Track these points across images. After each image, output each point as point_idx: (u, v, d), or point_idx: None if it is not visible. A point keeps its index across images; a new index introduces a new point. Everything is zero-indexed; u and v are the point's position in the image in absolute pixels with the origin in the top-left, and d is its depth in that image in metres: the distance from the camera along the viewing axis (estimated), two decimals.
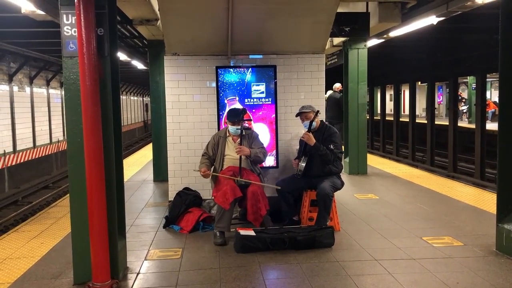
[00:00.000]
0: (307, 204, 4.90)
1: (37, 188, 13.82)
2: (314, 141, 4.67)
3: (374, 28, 7.54)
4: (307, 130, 4.78)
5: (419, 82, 22.08)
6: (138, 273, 3.78)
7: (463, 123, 19.98)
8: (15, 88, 14.13)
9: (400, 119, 18.45)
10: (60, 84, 17.33)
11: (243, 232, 4.28)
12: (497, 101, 4.54)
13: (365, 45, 8.26)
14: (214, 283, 3.52)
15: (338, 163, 4.87)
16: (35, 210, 10.86)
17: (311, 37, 5.43)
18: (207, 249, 4.34)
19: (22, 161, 14.42)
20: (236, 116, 4.84)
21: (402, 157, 16.89)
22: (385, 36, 8.67)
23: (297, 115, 4.97)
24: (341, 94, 9.34)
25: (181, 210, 5.07)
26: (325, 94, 7.59)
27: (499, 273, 3.64)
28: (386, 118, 19.77)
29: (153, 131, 8.44)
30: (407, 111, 20.61)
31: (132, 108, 33.45)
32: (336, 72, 10.08)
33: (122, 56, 11.52)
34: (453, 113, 14.14)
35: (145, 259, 4.12)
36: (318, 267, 3.83)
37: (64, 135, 17.14)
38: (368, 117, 13.59)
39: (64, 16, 3.39)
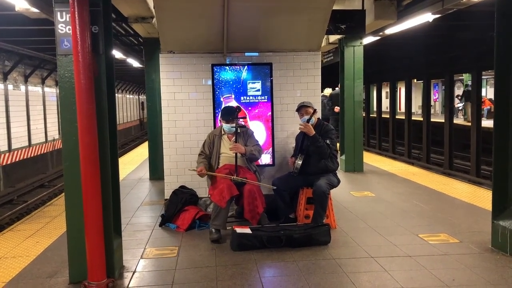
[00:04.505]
0: (303, 202, 4.91)
1: (32, 187, 13.76)
2: (314, 132, 4.67)
3: (370, 26, 7.55)
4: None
5: (415, 80, 22.14)
6: (134, 272, 3.77)
7: (459, 120, 20.04)
8: (10, 87, 14.05)
9: (396, 117, 18.47)
10: (56, 82, 17.24)
11: (239, 230, 4.28)
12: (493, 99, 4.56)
13: (361, 43, 8.27)
14: (210, 281, 3.52)
15: (334, 161, 4.88)
16: (31, 209, 10.81)
17: (307, 34, 5.42)
18: (203, 247, 4.34)
19: (17, 160, 14.35)
20: (229, 115, 4.83)
21: (398, 155, 16.93)
22: (381, 33, 8.69)
23: (297, 109, 4.96)
24: None
25: (177, 208, 5.06)
26: (321, 92, 7.59)
27: (494, 269, 3.65)
28: (382, 116, 19.79)
29: (149, 129, 8.41)
30: (403, 109, 20.65)
31: (127, 106, 33.33)
32: (332, 70, 10.07)
33: (117, 54, 11.50)
34: (449, 111, 14.18)
35: (141, 257, 4.11)
36: (315, 264, 3.83)
37: (59, 133, 17.08)
38: (364, 115, 13.60)
39: (58, 13, 3.37)
